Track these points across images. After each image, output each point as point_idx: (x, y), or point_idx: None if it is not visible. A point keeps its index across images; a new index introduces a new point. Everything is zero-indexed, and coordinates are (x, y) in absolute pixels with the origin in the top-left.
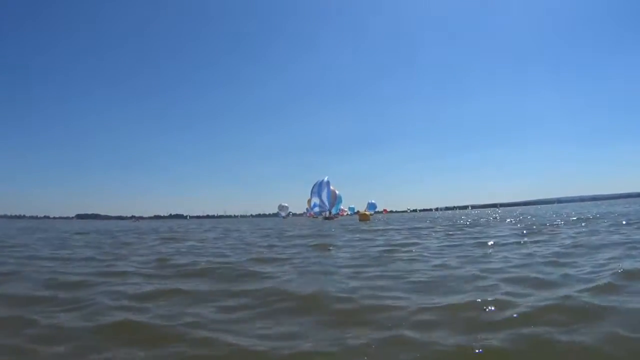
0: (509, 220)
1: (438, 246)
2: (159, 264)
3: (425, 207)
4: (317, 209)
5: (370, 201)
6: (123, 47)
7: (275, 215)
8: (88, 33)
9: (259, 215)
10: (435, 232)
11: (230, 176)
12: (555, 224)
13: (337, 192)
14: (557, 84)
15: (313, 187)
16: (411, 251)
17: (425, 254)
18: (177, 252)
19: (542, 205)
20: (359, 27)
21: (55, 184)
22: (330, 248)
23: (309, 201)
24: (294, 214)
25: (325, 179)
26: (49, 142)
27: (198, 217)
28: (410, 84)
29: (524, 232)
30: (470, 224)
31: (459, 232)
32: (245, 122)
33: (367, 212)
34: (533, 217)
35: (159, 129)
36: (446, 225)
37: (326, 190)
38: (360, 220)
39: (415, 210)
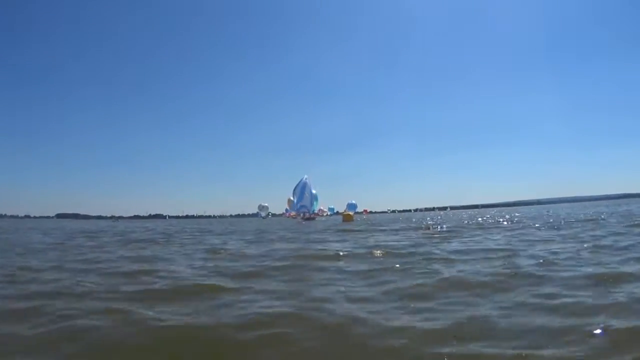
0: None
1: None
2: None
3: (404, 208)
4: (297, 209)
5: (350, 201)
6: (105, 45)
7: (255, 215)
8: (69, 30)
9: (238, 216)
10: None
11: (211, 176)
12: None
13: (314, 191)
14: (545, 87)
15: (295, 187)
16: None
17: None
18: None
19: (527, 207)
20: (343, 25)
21: (36, 183)
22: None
23: (289, 201)
24: (274, 214)
25: (305, 178)
26: (31, 141)
27: (177, 217)
28: (392, 84)
29: None
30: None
31: None
32: (224, 122)
33: (349, 213)
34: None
35: (140, 128)
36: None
37: (307, 190)
38: (344, 220)
39: (394, 211)
